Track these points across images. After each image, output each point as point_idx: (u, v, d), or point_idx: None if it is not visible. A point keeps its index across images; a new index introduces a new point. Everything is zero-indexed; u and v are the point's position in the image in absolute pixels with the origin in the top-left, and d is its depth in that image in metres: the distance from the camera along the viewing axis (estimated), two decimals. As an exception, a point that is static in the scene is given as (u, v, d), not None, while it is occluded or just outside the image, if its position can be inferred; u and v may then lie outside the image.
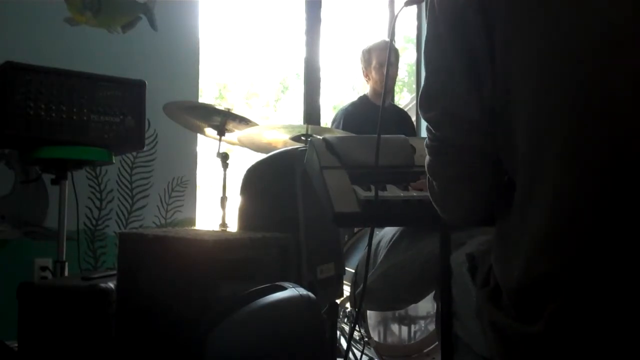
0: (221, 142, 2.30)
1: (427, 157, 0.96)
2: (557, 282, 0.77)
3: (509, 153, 0.86)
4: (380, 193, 1.15)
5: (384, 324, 2.28)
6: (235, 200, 1.85)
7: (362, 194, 1.16)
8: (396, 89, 4.26)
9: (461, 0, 0.86)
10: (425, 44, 0.93)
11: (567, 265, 0.77)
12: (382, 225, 1.65)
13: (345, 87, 9.00)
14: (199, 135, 2.83)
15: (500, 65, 0.84)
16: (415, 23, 4.32)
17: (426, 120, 0.94)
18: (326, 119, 4.20)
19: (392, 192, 1.19)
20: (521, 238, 0.82)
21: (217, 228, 2.06)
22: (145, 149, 2.56)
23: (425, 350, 2.26)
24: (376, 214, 1.14)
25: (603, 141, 0.75)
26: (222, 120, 2.26)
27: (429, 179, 0.98)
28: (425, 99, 0.93)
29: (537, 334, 0.79)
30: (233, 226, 1.93)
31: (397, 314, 2.28)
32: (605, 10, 0.77)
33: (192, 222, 3.04)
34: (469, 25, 0.85)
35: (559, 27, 0.79)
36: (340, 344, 2.24)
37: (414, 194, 1.19)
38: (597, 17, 0.77)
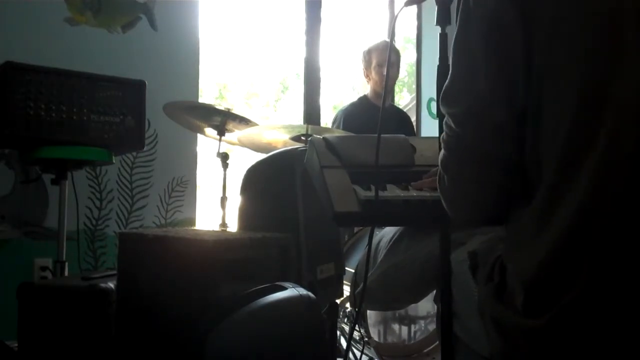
0: (221, 142, 2.30)
1: (442, 152, 0.95)
2: (577, 274, 0.78)
3: (537, 152, 0.85)
4: (381, 193, 1.15)
5: (384, 324, 2.28)
6: (235, 200, 1.85)
7: (362, 193, 1.16)
8: (396, 89, 4.26)
9: (500, 1, 0.84)
10: (455, 39, 0.92)
11: (590, 261, 0.77)
12: (382, 225, 1.65)
13: (345, 87, 9.01)
14: (199, 135, 2.83)
15: (537, 66, 0.83)
16: (415, 23, 4.32)
17: (448, 115, 0.92)
18: (326, 119, 4.20)
19: (392, 192, 1.19)
20: (544, 230, 0.81)
21: (217, 228, 2.06)
22: (145, 149, 2.56)
23: (425, 350, 2.26)
24: (376, 213, 1.14)
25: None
26: (222, 120, 2.26)
27: (440, 172, 0.97)
28: (449, 94, 0.92)
29: (539, 328, 0.80)
30: (233, 226, 1.93)
31: (397, 314, 2.28)
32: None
33: (192, 222, 3.04)
34: (505, 25, 0.84)
35: (597, 25, 0.79)
36: (340, 344, 2.24)
37: (414, 194, 1.19)
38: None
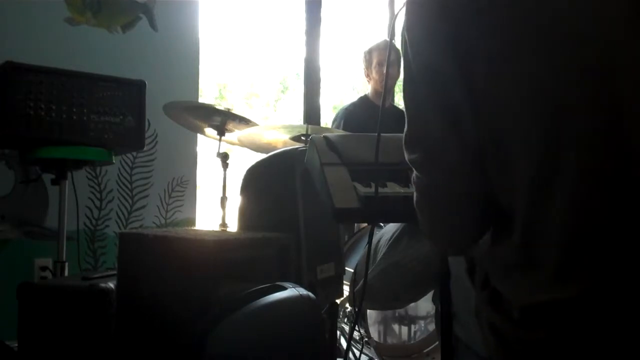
0: (221, 142, 2.30)
1: (415, 193, 0.97)
2: (569, 303, 0.77)
3: (507, 181, 0.84)
4: (381, 189, 1.15)
5: (384, 323, 2.28)
6: (235, 200, 1.85)
7: (363, 190, 1.16)
8: (396, 88, 4.26)
9: (433, 49, 0.85)
10: (403, 87, 0.93)
11: (583, 290, 0.76)
12: (381, 221, 1.65)
13: (345, 87, 9.01)
14: (199, 135, 2.83)
15: (485, 104, 0.82)
16: (415, 23, 4.31)
17: (410, 162, 0.94)
18: (326, 119, 4.20)
19: (392, 188, 1.19)
20: (530, 265, 0.81)
21: (217, 228, 2.06)
22: (145, 149, 2.56)
23: (425, 350, 2.26)
24: (376, 210, 1.14)
25: (618, 156, 0.74)
26: (222, 120, 2.26)
27: (416, 211, 0.99)
28: (407, 142, 0.94)
29: (538, 341, 0.79)
30: (233, 226, 1.93)
31: (397, 314, 2.28)
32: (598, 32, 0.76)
33: (192, 222, 3.04)
34: (442, 73, 0.84)
35: (551, 56, 0.77)
36: (340, 344, 2.24)
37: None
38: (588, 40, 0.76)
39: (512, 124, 0.81)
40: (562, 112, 0.76)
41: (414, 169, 0.95)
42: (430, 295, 1.64)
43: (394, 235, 1.49)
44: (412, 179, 0.98)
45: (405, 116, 0.93)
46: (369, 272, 1.36)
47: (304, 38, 3.60)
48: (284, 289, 1.32)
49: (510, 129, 0.81)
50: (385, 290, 1.49)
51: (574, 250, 0.76)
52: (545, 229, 0.78)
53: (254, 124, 2.30)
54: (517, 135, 0.80)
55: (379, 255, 1.48)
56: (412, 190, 1.06)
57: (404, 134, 0.95)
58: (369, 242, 1.30)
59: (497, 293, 0.88)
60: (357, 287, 1.70)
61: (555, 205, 0.77)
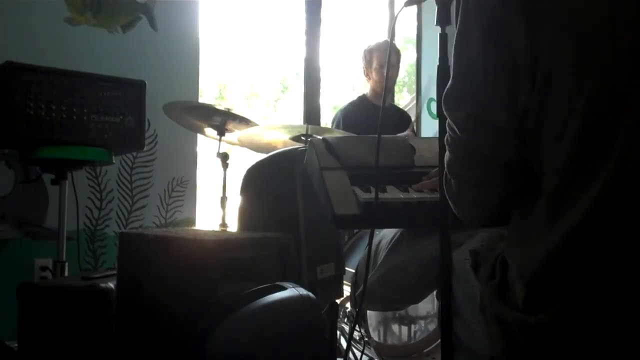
0: (221, 142, 2.30)
1: (447, 154, 0.95)
2: (580, 274, 0.78)
3: (540, 154, 0.85)
4: (380, 194, 1.14)
5: (384, 324, 2.28)
6: (235, 200, 1.85)
7: (362, 195, 1.15)
8: (396, 89, 4.26)
9: (502, 3, 0.83)
10: (455, 43, 0.91)
11: (595, 261, 0.77)
12: (382, 227, 1.65)
13: (345, 87, 9.00)
14: (199, 135, 2.83)
15: (545, 65, 0.81)
16: (415, 23, 4.32)
17: (451, 121, 0.92)
18: (326, 119, 4.20)
19: (392, 193, 1.19)
20: (549, 230, 0.81)
21: (217, 228, 2.07)
22: (145, 149, 2.56)
23: (425, 350, 2.26)
24: (376, 216, 1.14)
25: None
26: (222, 120, 2.27)
27: (446, 174, 0.97)
28: (451, 100, 0.92)
29: (542, 324, 0.80)
30: (233, 226, 1.93)
31: (397, 314, 2.28)
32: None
33: (192, 222, 3.04)
34: (508, 27, 0.82)
35: (606, 26, 0.77)
36: (340, 344, 2.24)
37: (414, 196, 1.19)
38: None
39: (566, 91, 0.79)
40: (617, 90, 0.76)
41: (453, 128, 0.92)
42: (430, 295, 1.64)
43: (394, 238, 1.48)
44: (445, 139, 0.95)
45: (452, 70, 0.91)
46: (369, 275, 1.36)
47: (304, 38, 3.60)
48: (284, 289, 1.33)
49: (559, 98, 0.80)
50: (386, 293, 1.48)
51: (595, 223, 0.76)
52: (574, 198, 0.78)
53: (254, 124, 2.30)
54: (563, 107, 0.79)
55: (380, 258, 1.48)
56: (412, 195, 1.06)
57: (446, 89, 0.92)
58: (369, 245, 1.30)
59: (503, 280, 0.89)
60: (358, 292, 1.70)
61: (590, 181, 0.77)
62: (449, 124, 0.93)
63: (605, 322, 0.77)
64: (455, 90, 0.91)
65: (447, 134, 0.94)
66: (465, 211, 1.00)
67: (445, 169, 0.97)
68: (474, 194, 0.95)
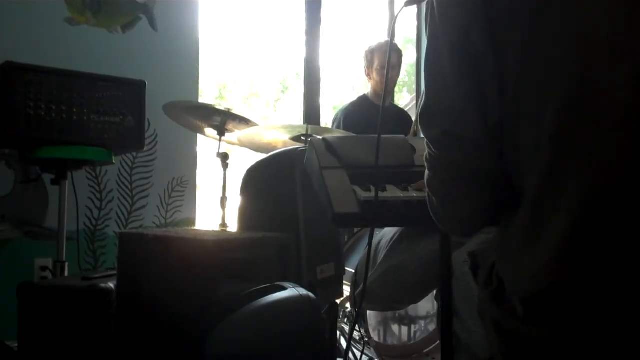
0: (221, 142, 2.30)
1: (427, 172, 0.95)
2: (571, 290, 0.77)
3: (517, 164, 0.84)
4: (380, 193, 1.15)
5: (384, 324, 2.28)
6: (235, 200, 1.85)
7: (362, 194, 1.15)
8: (396, 88, 4.25)
9: (466, 20, 0.83)
10: (425, 59, 0.91)
11: (585, 274, 0.76)
12: (382, 226, 1.65)
13: (345, 87, 9.01)
14: (199, 135, 2.83)
15: (512, 83, 0.81)
16: (415, 23, 4.32)
17: (426, 138, 0.92)
18: (326, 119, 4.20)
19: (392, 192, 1.19)
20: (534, 243, 0.81)
21: (217, 228, 2.07)
22: (145, 149, 2.56)
23: (425, 350, 2.26)
24: (376, 214, 1.14)
25: (628, 151, 0.74)
26: (222, 120, 2.26)
27: (428, 193, 0.97)
28: (425, 117, 0.92)
29: (543, 337, 0.79)
30: (233, 226, 1.93)
31: (397, 314, 2.28)
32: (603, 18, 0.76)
33: (192, 222, 3.04)
34: (473, 41, 0.82)
35: (573, 41, 0.77)
36: (340, 344, 2.24)
37: (414, 195, 1.19)
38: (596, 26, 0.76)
39: (536, 101, 0.79)
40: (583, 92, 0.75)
41: (429, 146, 0.92)
42: (430, 295, 1.65)
43: (394, 237, 1.49)
44: (424, 156, 0.95)
45: (424, 89, 0.91)
46: (369, 274, 1.36)
47: (304, 38, 3.60)
48: (284, 289, 1.33)
49: (534, 104, 0.80)
50: (386, 293, 1.49)
51: (580, 231, 0.76)
52: (554, 208, 0.78)
53: (254, 124, 2.30)
54: (534, 117, 0.79)
55: (380, 257, 1.48)
56: (412, 194, 1.06)
57: (420, 108, 0.92)
58: (369, 245, 1.30)
59: (501, 288, 0.88)
60: (358, 291, 1.70)
61: (567, 188, 0.76)
62: (426, 142, 0.93)
63: (607, 331, 0.76)
64: (428, 107, 0.91)
65: (426, 151, 0.94)
66: (448, 225, 1.00)
67: (426, 187, 0.97)
68: (456, 210, 0.95)
